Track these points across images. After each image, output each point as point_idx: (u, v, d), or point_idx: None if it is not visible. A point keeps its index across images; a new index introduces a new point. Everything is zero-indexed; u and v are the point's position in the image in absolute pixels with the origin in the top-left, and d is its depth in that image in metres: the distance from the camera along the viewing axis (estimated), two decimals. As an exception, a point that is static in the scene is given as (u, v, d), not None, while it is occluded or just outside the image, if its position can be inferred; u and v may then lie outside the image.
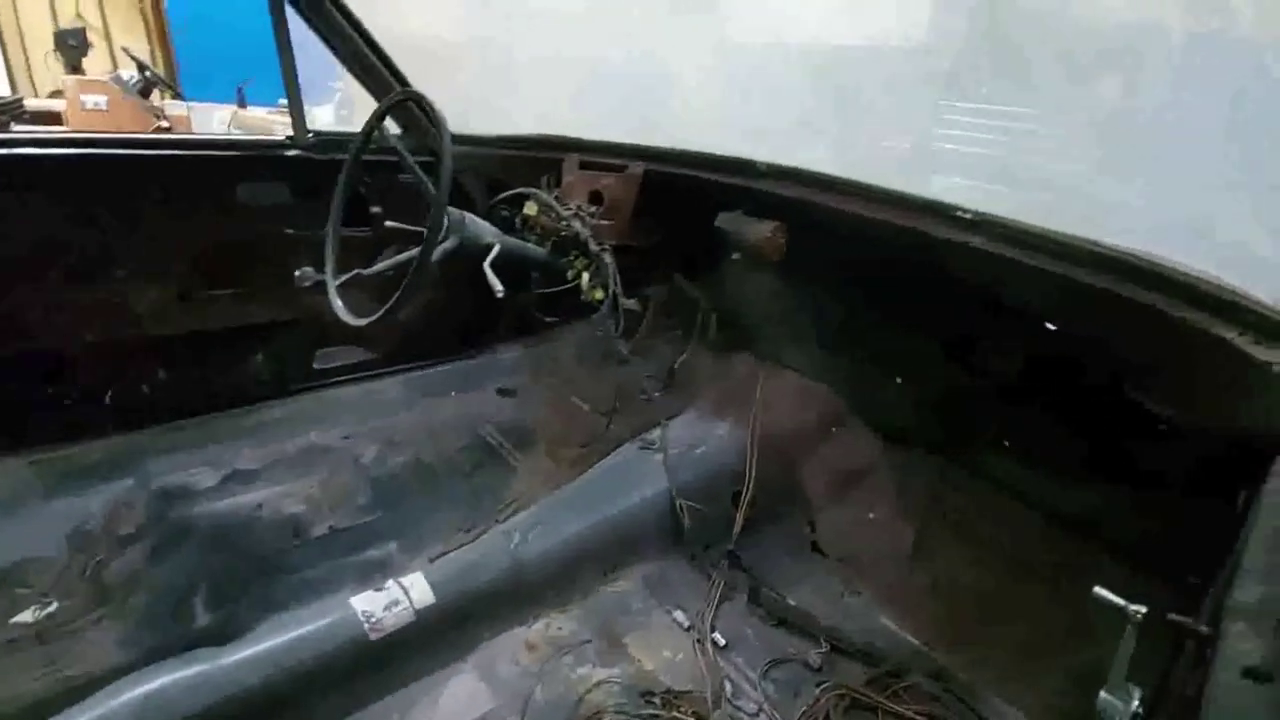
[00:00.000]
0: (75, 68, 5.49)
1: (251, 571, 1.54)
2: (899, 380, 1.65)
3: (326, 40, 1.86)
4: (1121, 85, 1.06)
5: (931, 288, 1.40)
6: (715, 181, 1.64)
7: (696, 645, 1.39)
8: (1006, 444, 1.44)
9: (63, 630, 1.37)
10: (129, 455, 1.76)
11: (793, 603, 1.49)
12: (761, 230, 1.56)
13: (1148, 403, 1.01)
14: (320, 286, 1.56)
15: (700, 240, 1.71)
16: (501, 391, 2.34)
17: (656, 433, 1.73)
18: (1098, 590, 0.62)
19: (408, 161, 1.44)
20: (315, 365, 2.16)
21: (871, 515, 1.62)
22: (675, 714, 1.23)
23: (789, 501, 1.70)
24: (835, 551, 1.63)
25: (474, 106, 2.16)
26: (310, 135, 1.89)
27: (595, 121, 2.02)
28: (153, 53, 6.68)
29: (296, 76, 1.82)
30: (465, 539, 1.48)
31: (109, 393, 1.83)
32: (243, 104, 4.91)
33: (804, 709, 1.26)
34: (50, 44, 5.88)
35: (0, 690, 1.23)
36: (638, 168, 1.79)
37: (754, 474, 1.66)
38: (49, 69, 6.03)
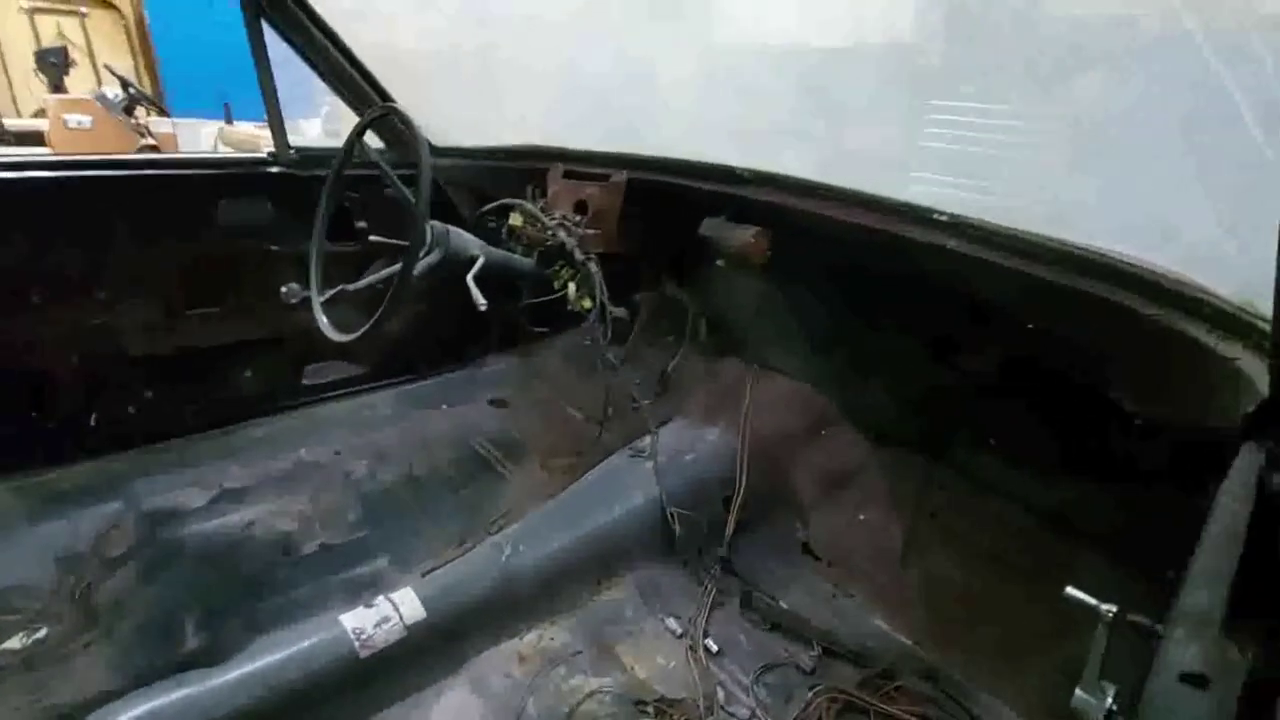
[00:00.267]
0: (58, 86, 5.47)
1: (242, 591, 1.54)
2: (883, 381, 1.66)
3: (304, 56, 1.87)
4: (1091, 84, 1.07)
5: (911, 289, 1.41)
6: (698, 188, 1.65)
7: (689, 652, 1.39)
8: (990, 443, 1.45)
9: (51, 656, 1.36)
10: (116, 477, 1.76)
11: (785, 606, 1.50)
12: (744, 236, 1.57)
13: (1120, 398, 1.02)
14: (306, 303, 1.56)
15: (685, 247, 1.72)
16: (493, 402, 2.34)
17: (647, 440, 1.73)
18: (1069, 590, 0.63)
19: (389, 176, 1.44)
20: (303, 381, 2.16)
21: (862, 517, 1.63)
22: (668, 722, 1.23)
23: (780, 505, 1.71)
24: (826, 554, 1.63)
25: (458, 117, 2.17)
26: (293, 152, 1.89)
27: (578, 125, 2.03)
28: (137, 70, 6.66)
29: (276, 94, 1.82)
30: (456, 553, 1.48)
31: (94, 415, 1.83)
32: (229, 119, 4.90)
33: (797, 713, 1.27)
34: (31, 63, 5.87)
35: None
36: (621, 176, 1.80)
37: (745, 479, 1.67)
38: (30, 89, 6.01)
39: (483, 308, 1.45)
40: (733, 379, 1.90)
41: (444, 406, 2.29)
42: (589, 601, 1.49)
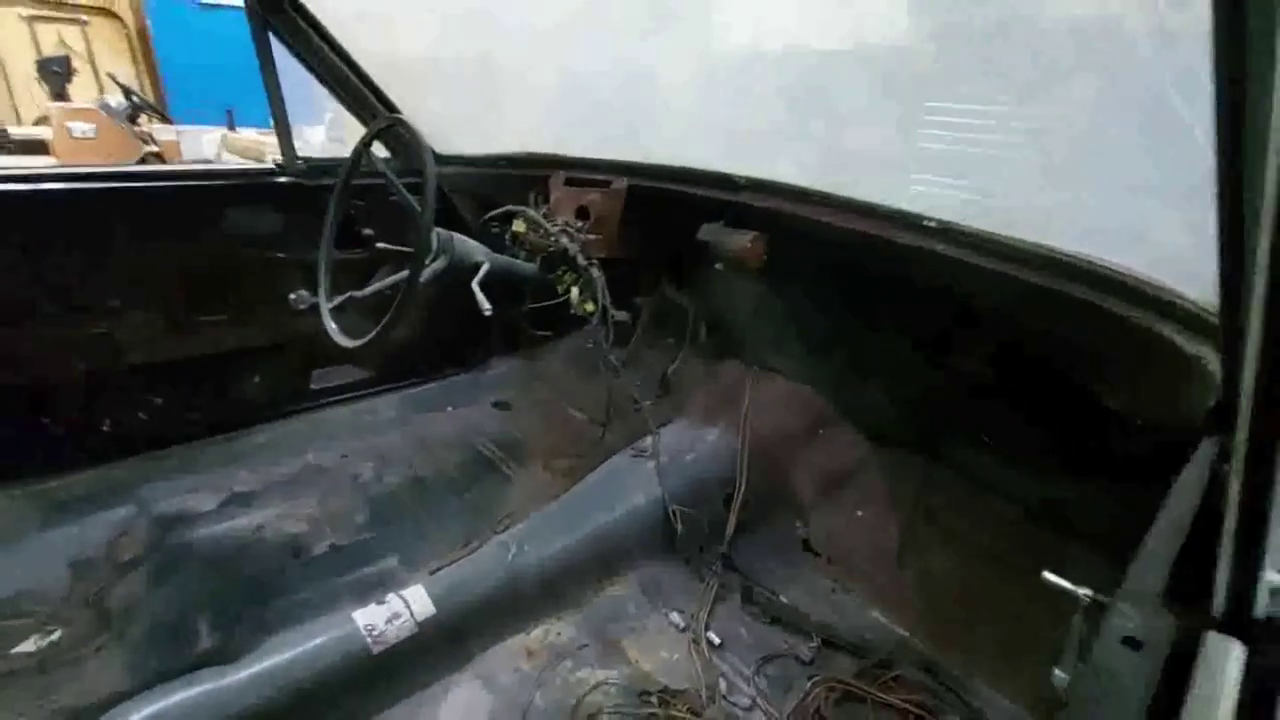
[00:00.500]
0: (60, 95, 5.50)
1: (253, 592, 1.56)
2: (880, 382, 1.70)
3: (310, 67, 1.91)
4: (1067, 88, 1.10)
5: (904, 292, 1.46)
6: (697, 194, 1.69)
7: (692, 645, 1.43)
8: (983, 441, 1.50)
9: (64, 659, 1.38)
10: (127, 483, 1.78)
11: (785, 601, 1.54)
12: (742, 240, 1.61)
13: (1100, 396, 1.06)
14: (314, 309, 1.59)
15: (685, 252, 1.76)
16: (497, 404, 2.38)
17: (648, 441, 1.77)
18: (1047, 575, 0.67)
19: (395, 185, 1.48)
20: (311, 386, 2.19)
21: (860, 514, 1.66)
22: (672, 712, 1.26)
23: (779, 503, 1.74)
24: (825, 550, 1.67)
25: (460, 124, 2.21)
26: (300, 161, 1.93)
27: (577, 129, 2.06)
28: (139, 77, 6.68)
29: (283, 105, 1.86)
30: (463, 552, 1.51)
31: (104, 421, 1.85)
32: (232, 126, 4.94)
33: (796, 702, 1.30)
34: (31, 70, 5.89)
35: None
36: (622, 183, 1.84)
37: (745, 478, 1.71)
38: (32, 96, 6.04)
39: (488, 312, 1.48)
40: (732, 380, 1.93)
41: (448, 409, 2.32)
42: (593, 598, 1.53)
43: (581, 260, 1.73)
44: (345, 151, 1.66)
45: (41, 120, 5.33)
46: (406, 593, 1.33)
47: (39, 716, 1.24)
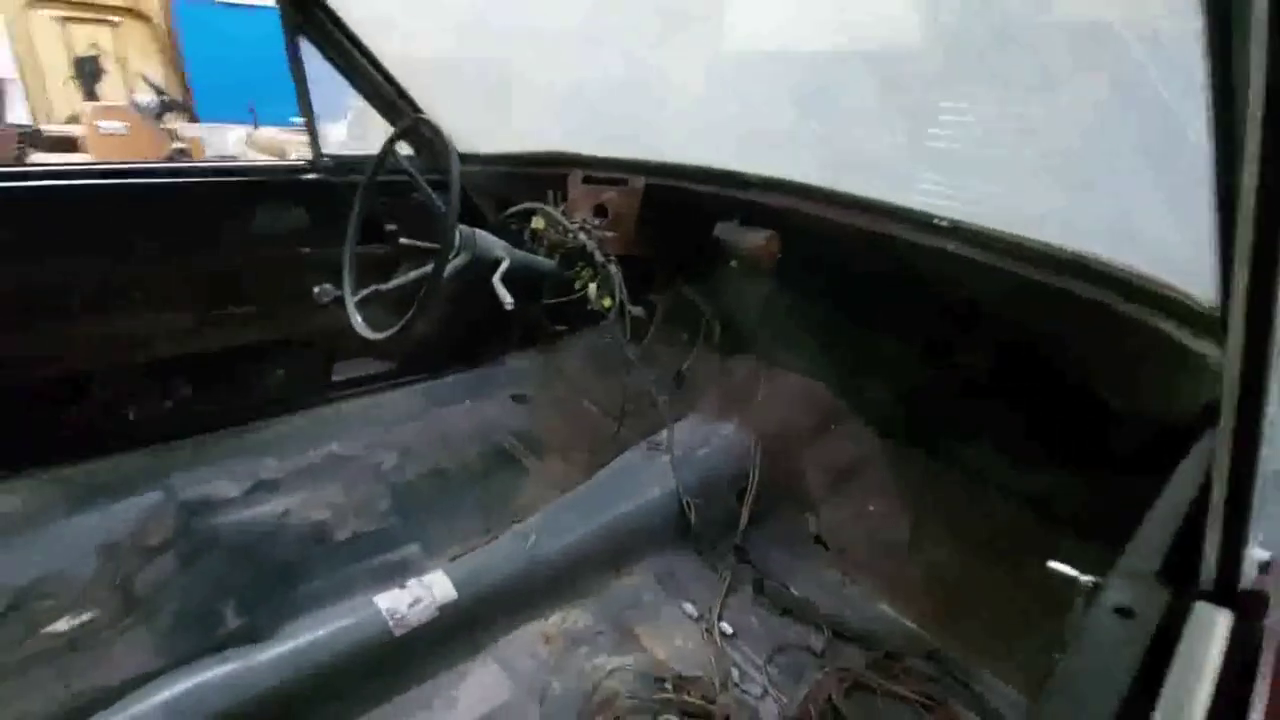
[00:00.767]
0: (91, 94, 5.64)
1: (278, 576, 1.59)
2: (889, 378, 1.71)
3: (340, 69, 1.96)
4: (1072, 90, 1.11)
5: (913, 290, 1.47)
6: (712, 193, 1.71)
7: (705, 634, 1.45)
8: (989, 437, 1.51)
9: (94, 639, 1.41)
10: (155, 470, 1.83)
11: (796, 593, 1.56)
12: (757, 239, 1.63)
13: (1102, 392, 1.08)
14: (339, 303, 1.63)
15: (700, 249, 1.78)
16: (515, 398, 2.41)
17: (663, 435, 1.79)
18: (1052, 564, 0.69)
19: (419, 184, 1.51)
20: (333, 379, 2.24)
21: (870, 508, 1.68)
22: (685, 697, 1.29)
23: (790, 497, 1.77)
24: (836, 543, 1.69)
25: (479, 123, 2.25)
26: (326, 159, 1.98)
27: (588, 136, 2.09)
28: (166, 77, 6.81)
29: (311, 105, 1.91)
30: (482, 540, 1.55)
31: (133, 411, 1.90)
32: (256, 124, 5.04)
33: (807, 691, 1.33)
34: (62, 70, 6.03)
35: (33, 699, 1.27)
36: (639, 181, 1.86)
37: (757, 472, 1.73)
38: (65, 95, 6.18)
39: (510, 307, 1.51)
40: (745, 376, 1.95)
41: (467, 403, 2.36)
42: (609, 586, 1.55)
43: (599, 257, 1.76)
44: (365, 148, 1.69)
45: (73, 118, 5.47)
46: (428, 578, 1.36)
47: (68, 694, 1.27)
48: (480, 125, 2.24)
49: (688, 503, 1.65)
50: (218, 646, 1.22)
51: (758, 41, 1.77)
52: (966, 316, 1.39)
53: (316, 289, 1.70)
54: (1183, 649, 0.43)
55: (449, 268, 1.49)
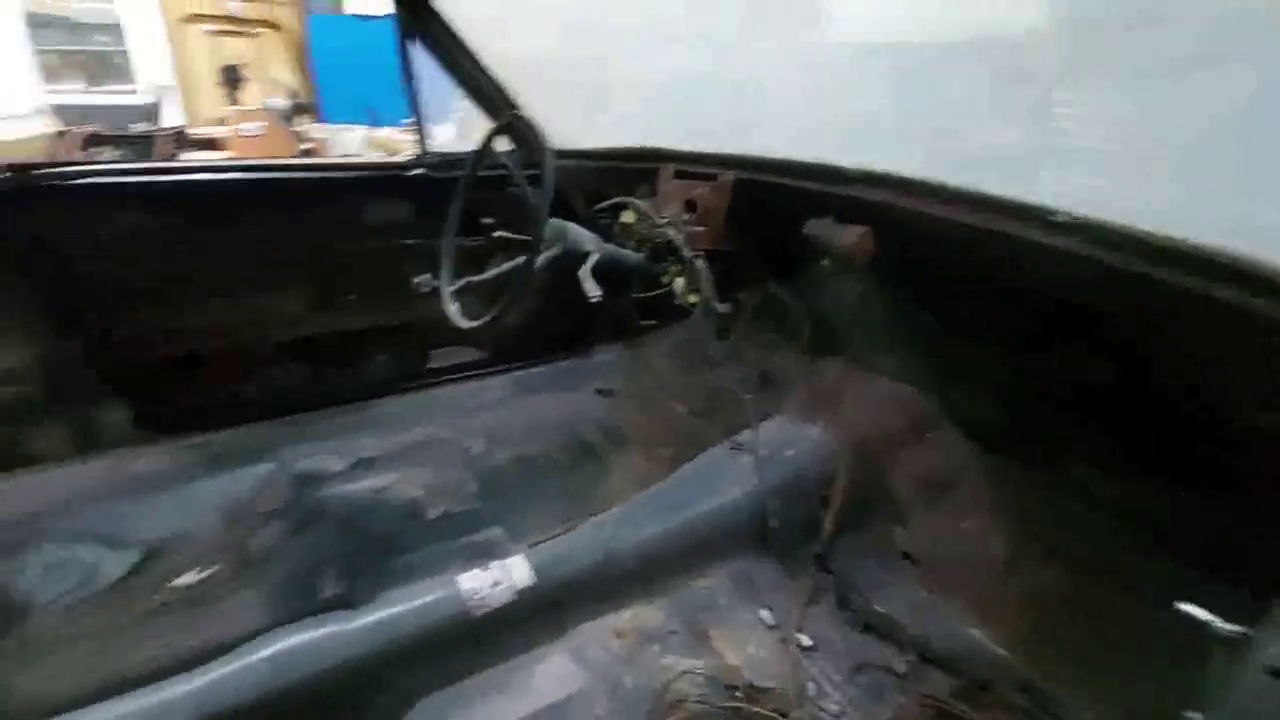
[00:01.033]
0: (234, 99, 6.21)
1: (374, 548, 1.68)
2: (989, 387, 1.58)
3: (448, 69, 2.04)
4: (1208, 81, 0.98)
5: (1021, 292, 1.35)
6: (804, 188, 1.65)
7: (782, 644, 1.41)
8: (1098, 454, 1.36)
9: (211, 595, 1.54)
10: (270, 442, 1.97)
11: (880, 610, 1.48)
12: (850, 236, 1.55)
13: (1244, 410, 0.93)
14: (436, 292, 1.70)
15: (790, 246, 1.72)
16: (600, 391, 2.44)
17: (746, 434, 1.75)
18: (1183, 606, 0.60)
19: (516, 176, 1.55)
20: (430, 364, 2.35)
21: (964, 523, 1.57)
22: (757, 708, 1.25)
23: (878, 507, 1.67)
24: (925, 559, 1.59)
25: (574, 120, 2.28)
26: (431, 155, 2.07)
27: (687, 127, 2.08)
28: (297, 82, 7.40)
29: (420, 105, 2.01)
30: (562, 529, 1.57)
31: (253, 388, 2.09)
32: (374, 125, 5.39)
33: (889, 717, 1.26)
34: (210, 77, 6.68)
35: (154, 645, 1.39)
36: (729, 176, 1.83)
37: (844, 478, 1.66)
38: (209, 99, 6.84)
39: (596, 299, 1.52)
40: (833, 378, 1.88)
41: (554, 393, 2.41)
42: (684, 586, 1.53)
43: (687, 252, 1.74)
44: (470, 146, 1.76)
45: (215, 120, 6.05)
46: (508, 561, 1.39)
47: (184, 645, 1.37)
48: (577, 122, 2.28)
49: (769, 506, 1.61)
50: (317, 610, 1.29)
51: (863, 33, 1.70)
52: (1082, 321, 1.25)
53: (416, 279, 1.79)
54: None
55: (540, 260, 1.52)
